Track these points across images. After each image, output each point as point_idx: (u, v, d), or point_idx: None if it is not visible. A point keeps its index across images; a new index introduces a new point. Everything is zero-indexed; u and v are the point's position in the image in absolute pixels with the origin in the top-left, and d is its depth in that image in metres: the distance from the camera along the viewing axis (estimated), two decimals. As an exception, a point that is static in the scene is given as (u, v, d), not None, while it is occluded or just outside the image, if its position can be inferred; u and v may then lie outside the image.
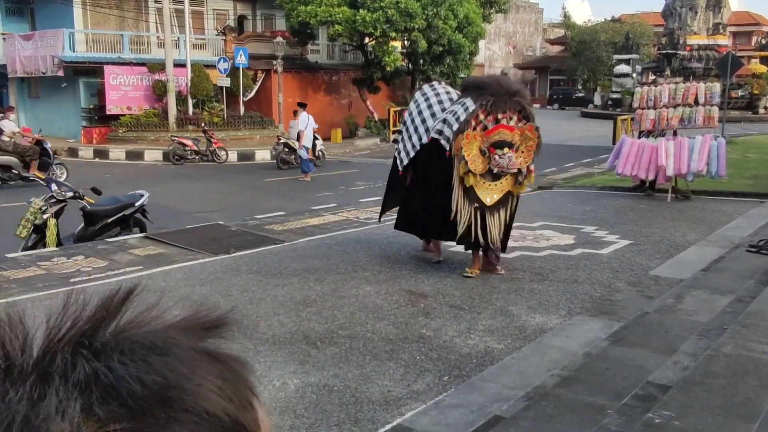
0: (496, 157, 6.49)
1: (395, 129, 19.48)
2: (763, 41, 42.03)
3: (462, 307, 5.86)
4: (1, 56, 24.39)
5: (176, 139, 18.69)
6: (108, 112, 21.96)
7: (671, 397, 3.78)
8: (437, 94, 7.22)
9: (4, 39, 24.15)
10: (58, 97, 23.22)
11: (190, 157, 18.50)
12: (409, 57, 25.41)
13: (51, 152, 14.53)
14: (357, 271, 7.01)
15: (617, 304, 5.93)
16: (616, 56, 38.35)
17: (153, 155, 19.28)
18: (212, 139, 18.80)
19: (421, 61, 25.06)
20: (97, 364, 0.37)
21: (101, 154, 20.01)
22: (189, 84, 21.45)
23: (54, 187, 8.03)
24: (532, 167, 6.87)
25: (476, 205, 6.63)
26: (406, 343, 5.00)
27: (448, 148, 6.71)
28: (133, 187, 10.11)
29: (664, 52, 34.45)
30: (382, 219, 8.31)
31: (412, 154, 7.14)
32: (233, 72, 21.45)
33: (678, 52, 33.22)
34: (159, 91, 21.62)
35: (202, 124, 20.14)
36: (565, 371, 4.37)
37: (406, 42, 24.42)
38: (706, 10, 33.94)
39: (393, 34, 23.11)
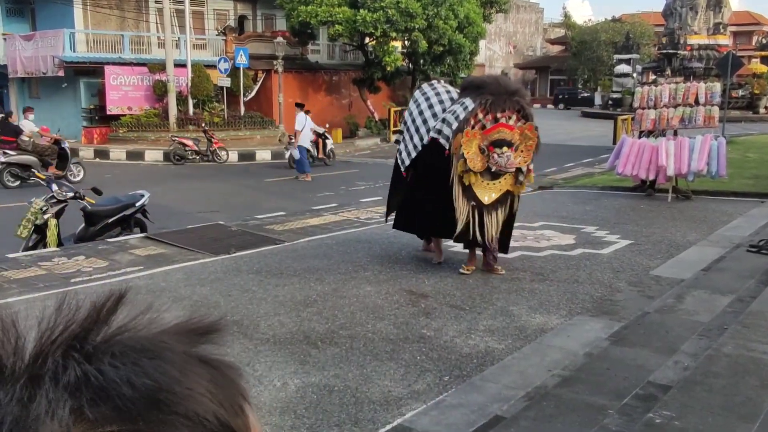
0: (495, 155, 6.49)
1: (396, 129, 19.57)
2: (764, 41, 41.99)
3: (462, 307, 5.86)
4: (1, 56, 24.41)
5: (177, 139, 18.71)
6: (108, 113, 21.97)
7: (672, 397, 3.78)
8: (437, 94, 7.21)
9: (4, 39, 24.16)
10: (59, 97, 23.23)
11: (190, 158, 18.52)
12: (409, 57, 25.41)
13: (69, 152, 14.78)
14: (358, 271, 7.01)
15: (618, 304, 5.93)
16: (617, 56, 38.31)
17: (153, 155, 19.30)
18: (213, 139, 18.82)
19: (422, 61, 25.06)
20: (88, 367, 0.37)
21: (102, 154, 20.03)
22: (189, 84, 21.47)
23: (54, 187, 8.04)
24: (531, 167, 6.87)
25: (473, 203, 6.64)
26: (406, 343, 5.00)
27: (447, 147, 6.71)
28: (134, 188, 10.11)
29: (664, 51, 34.43)
30: (388, 219, 8.27)
31: (413, 154, 7.14)
32: (234, 72, 21.46)
33: (678, 51, 33.21)
34: (159, 92, 21.63)
35: (203, 124, 20.15)
36: (565, 371, 4.37)
37: (406, 42, 24.42)
38: (707, 9, 33.94)
39: (393, 34, 23.11)
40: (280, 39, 22.89)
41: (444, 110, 6.98)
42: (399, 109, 23.49)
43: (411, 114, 7.24)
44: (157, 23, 24.25)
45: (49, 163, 14.32)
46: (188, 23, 22.22)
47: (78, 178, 14.35)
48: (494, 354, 4.79)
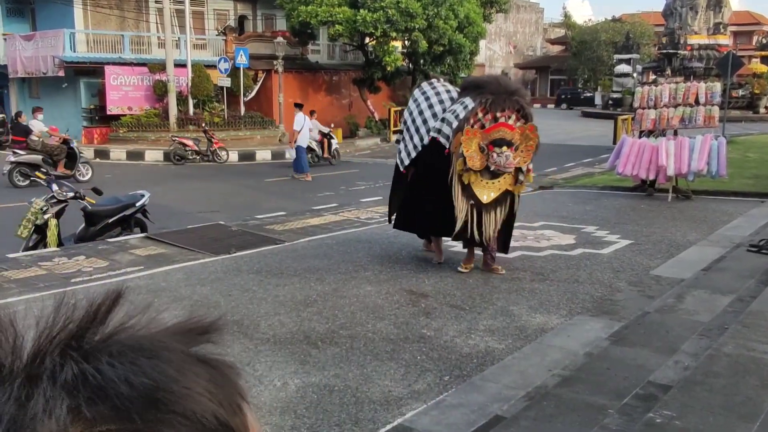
0: (494, 154, 6.50)
1: (396, 129, 19.60)
2: (764, 41, 41.97)
3: (463, 307, 5.86)
4: (2, 57, 24.42)
5: (177, 139, 18.71)
6: (109, 113, 21.97)
7: (672, 397, 3.78)
8: (437, 93, 7.19)
9: (4, 39, 24.17)
10: (59, 97, 23.23)
11: (190, 158, 18.52)
12: (409, 57, 25.41)
13: (77, 151, 14.96)
14: (358, 271, 7.01)
15: (618, 303, 5.93)
16: (617, 56, 38.30)
17: (154, 155, 19.30)
18: (213, 139, 18.82)
19: (422, 61, 25.06)
20: (86, 366, 0.37)
21: (102, 154, 20.02)
22: (189, 84, 21.47)
23: (55, 187, 8.04)
24: (530, 166, 6.88)
25: (472, 202, 6.65)
26: (406, 343, 5.00)
27: (447, 146, 6.72)
28: (134, 188, 10.12)
29: (664, 51, 34.43)
30: (391, 219, 8.26)
31: (413, 154, 7.14)
32: (234, 72, 21.47)
33: (678, 51, 33.21)
34: (160, 92, 21.63)
35: (203, 124, 20.16)
36: (566, 371, 4.37)
37: (406, 42, 24.42)
38: (707, 9, 33.92)
39: (393, 34, 23.11)
40: (280, 39, 22.89)
41: (444, 110, 6.98)
42: (399, 109, 23.48)
43: (411, 114, 7.23)
44: (157, 23, 24.25)
45: (56, 162, 14.51)
46: (188, 23, 22.22)
47: (86, 178, 14.58)
48: (494, 354, 4.79)
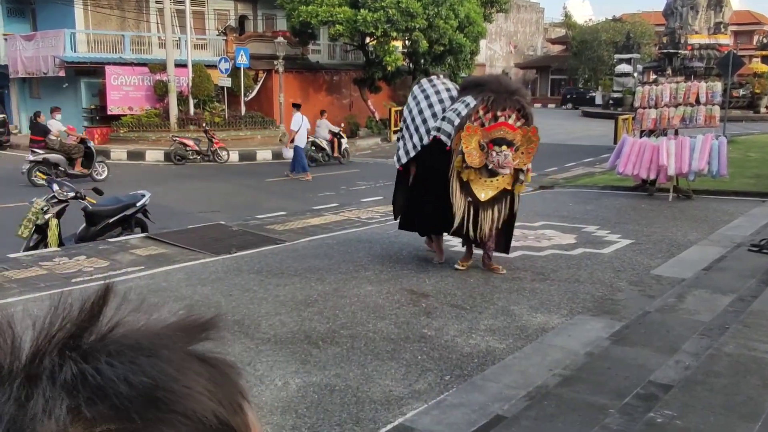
0: (494, 153, 6.50)
1: (396, 129, 19.62)
2: (765, 40, 41.94)
3: (463, 306, 5.86)
4: (2, 57, 24.43)
5: (177, 139, 18.72)
6: (109, 113, 21.98)
7: (673, 397, 3.78)
8: (437, 92, 7.18)
9: (5, 39, 24.19)
10: (60, 97, 23.21)
11: (191, 158, 18.52)
12: (410, 57, 25.40)
13: (94, 150, 15.30)
14: (358, 270, 7.01)
15: (619, 303, 5.92)
16: (617, 56, 38.27)
17: (154, 155, 19.30)
18: (213, 139, 18.82)
19: (422, 61, 25.05)
20: (85, 366, 0.37)
21: (102, 154, 19.85)
22: (190, 84, 21.47)
23: (55, 187, 8.04)
24: (529, 167, 6.89)
25: (470, 199, 6.66)
26: (407, 342, 5.00)
27: (448, 143, 6.72)
28: (135, 188, 10.13)
29: (665, 51, 34.41)
30: (397, 218, 8.22)
31: (412, 153, 7.14)
32: (234, 72, 21.47)
33: (679, 51, 33.19)
34: (160, 92, 21.64)
35: (204, 124, 20.16)
36: (566, 371, 4.37)
37: (407, 42, 24.42)
38: (708, 9, 33.90)
39: (394, 34, 23.11)
40: (280, 39, 22.90)
41: (444, 110, 6.98)
42: (399, 108, 23.41)
43: (411, 112, 7.22)
44: (157, 23, 24.25)
45: (74, 161, 14.80)
46: (189, 23, 22.23)
47: (102, 177, 14.92)
48: (495, 353, 4.79)
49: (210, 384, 0.40)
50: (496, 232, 6.88)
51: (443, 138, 6.78)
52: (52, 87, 23.35)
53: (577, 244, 8.11)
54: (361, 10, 22.35)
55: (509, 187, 6.76)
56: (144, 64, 22.30)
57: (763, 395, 3.75)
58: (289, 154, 15.66)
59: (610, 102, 37.10)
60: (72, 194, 7.97)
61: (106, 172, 15.18)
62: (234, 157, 19.25)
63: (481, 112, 6.57)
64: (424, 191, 7.07)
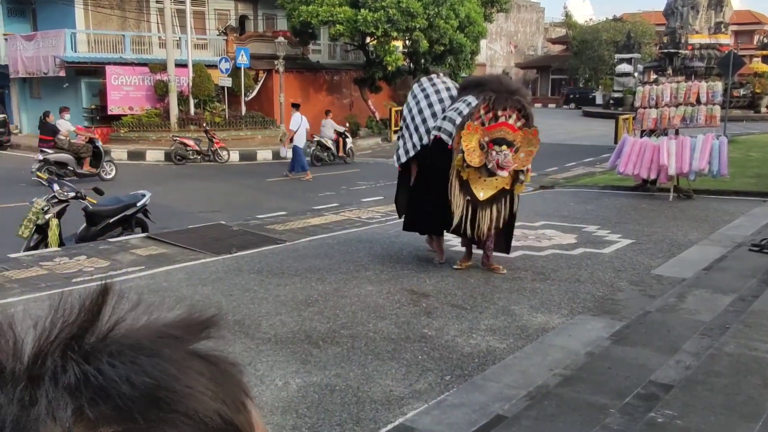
0: (493, 152, 6.50)
1: (397, 128, 19.63)
2: (765, 40, 41.92)
3: (464, 306, 5.86)
4: (3, 57, 24.43)
5: (178, 139, 18.72)
6: (110, 113, 21.98)
7: (674, 397, 3.78)
8: (437, 92, 7.18)
9: (6, 39, 24.19)
10: (60, 97, 23.21)
11: (191, 157, 18.52)
12: (410, 56, 25.39)
13: (102, 150, 15.38)
14: (359, 270, 7.01)
15: (619, 303, 5.92)
16: (618, 55, 38.25)
17: (155, 155, 19.30)
18: (214, 139, 18.82)
19: (423, 61, 25.04)
20: (87, 367, 0.37)
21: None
22: (190, 84, 21.47)
23: (56, 187, 8.04)
24: (529, 167, 6.89)
25: (468, 198, 6.66)
26: (408, 342, 5.00)
27: (449, 143, 6.72)
28: (135, 187, 10.13)
29: (665, 51, 34.41)
30: (401, 217, 8.21)
31: (412, 153, 7.14)
32: (235, 72, 21.46)
33: (680, 51, 33.19)
34: (160, 91, 21.63)
35: (204, 124, 20.15)
36: (567, 370, 4.37)
37: (407, 41, 24.41)
38: (708, 9, 33.90)
39: (394, 34, 23.11)
40: (281, 39, 22.89)
41: (443, 109, 6.98)
42: (400, 108, 23.33)
43: (411, 111, 7.21)
44: (158, 23, 24.25)
45: (82, 161, 14.91)
46: (189, 23, 22.23)
47: (110, 176, 15.06)
48: (496, 353, 4.79)
49: (212, 383, 0.39)
50: (496, 231, 6.88)
51: (444, 137, 6.78)
52: (53, 87, 23.35)
53: (577, 243, 8.11)
54: (362, 10, 22.35)
55: (508, 187, 6.76)
56: (144, 64, 22.30)
57: (763, 395, 3.75)
58: (287, 153, 15.69)
59: (611, 102, 37.09)
60: (72, 194, 7.97)
61: (114, 172, 15.28)
62: (234, 157, 19.25)
63: (482, 112, 6.57)
64: (425, 190, 7.07)
